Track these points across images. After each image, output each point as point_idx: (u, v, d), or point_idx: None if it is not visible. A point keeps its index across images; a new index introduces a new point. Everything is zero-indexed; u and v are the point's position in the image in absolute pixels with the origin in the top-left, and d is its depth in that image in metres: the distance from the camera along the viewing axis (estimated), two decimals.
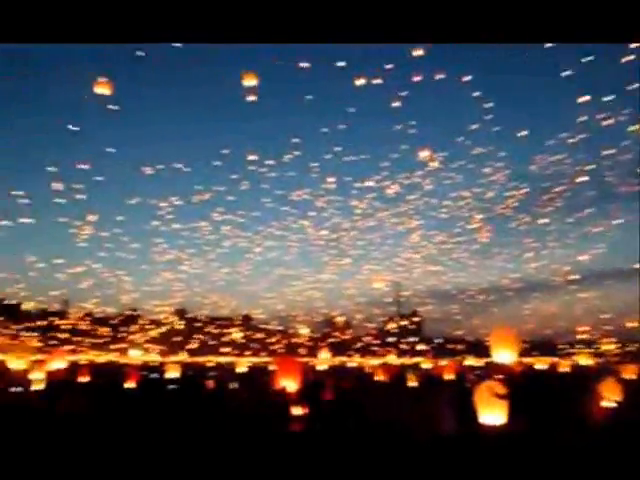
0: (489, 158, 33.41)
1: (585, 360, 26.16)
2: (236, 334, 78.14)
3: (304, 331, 72.23)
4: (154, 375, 17.54)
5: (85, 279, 46.79)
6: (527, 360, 40.44)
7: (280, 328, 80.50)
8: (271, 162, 34.95)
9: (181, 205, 40.93)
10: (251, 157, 30.74)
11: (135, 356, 39.96)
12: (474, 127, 30.07)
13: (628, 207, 54.46)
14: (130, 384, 12.42)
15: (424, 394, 9.56)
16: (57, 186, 30.69)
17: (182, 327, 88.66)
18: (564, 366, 24.50)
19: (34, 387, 10.57)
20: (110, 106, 25.00)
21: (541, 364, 28.46)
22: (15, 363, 11.07)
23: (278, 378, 8.43)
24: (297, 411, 9.30)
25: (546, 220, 37.04)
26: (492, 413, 5.85)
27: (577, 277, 40.61)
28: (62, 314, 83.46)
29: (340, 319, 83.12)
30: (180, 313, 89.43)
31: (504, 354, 8.12)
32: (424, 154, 22.67)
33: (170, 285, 55.60)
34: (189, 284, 55.03)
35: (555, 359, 36.15)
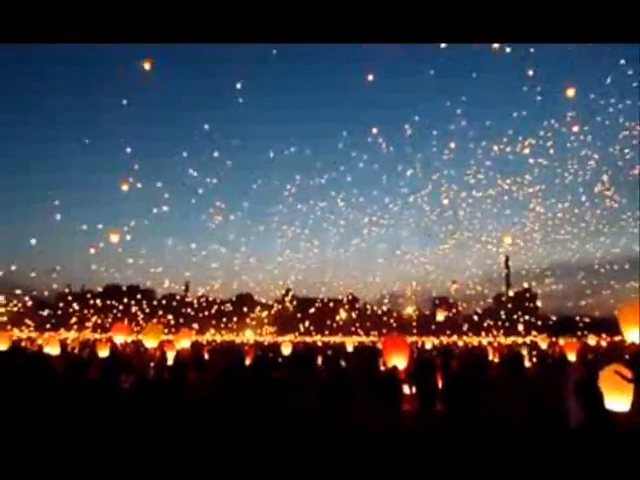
0: (624, 114, 29.82)
1: None
2: (344, 313, 79.67)
3: (410, 309, 71.45)
4: (269, 354, 18.53)
5: (212, 261, 50.45)
6: None
7: (389, 306, 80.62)
8: (389, 138, 34.71)
9: (302, 186, 42.48)
10: (373, 130, 31.06)
11: (249, 336, 42.61)
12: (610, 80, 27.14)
13: None
14: (247, 361, 13.42)
15: (543, 378, 9.02)
16: (192, 173, 33.37)
17: (293, 307, 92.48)
18: None
19: (167, 364, 11.83)
20: (239, 99, 26.69)
21: None
22: (150, 342, 12.25)
23: (386, 357, 8.44)
24: (407, 390, 9.25)
25: None
26: (619, 399, 5.38)
27: None
28: (187, 295, 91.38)
29: (451, 295, 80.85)
30: (292, 293, 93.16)
31: (634, 332, 7.45)
32: (571, 92, 20.40)
33: (286, 266, 57.74)
34: (305, 263, 56.81)
35: None
